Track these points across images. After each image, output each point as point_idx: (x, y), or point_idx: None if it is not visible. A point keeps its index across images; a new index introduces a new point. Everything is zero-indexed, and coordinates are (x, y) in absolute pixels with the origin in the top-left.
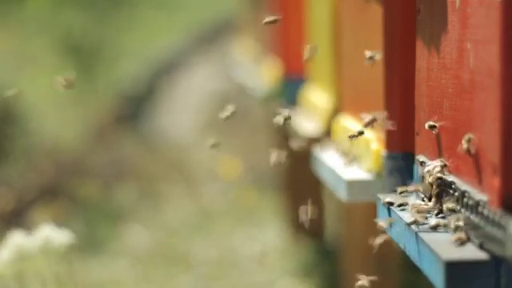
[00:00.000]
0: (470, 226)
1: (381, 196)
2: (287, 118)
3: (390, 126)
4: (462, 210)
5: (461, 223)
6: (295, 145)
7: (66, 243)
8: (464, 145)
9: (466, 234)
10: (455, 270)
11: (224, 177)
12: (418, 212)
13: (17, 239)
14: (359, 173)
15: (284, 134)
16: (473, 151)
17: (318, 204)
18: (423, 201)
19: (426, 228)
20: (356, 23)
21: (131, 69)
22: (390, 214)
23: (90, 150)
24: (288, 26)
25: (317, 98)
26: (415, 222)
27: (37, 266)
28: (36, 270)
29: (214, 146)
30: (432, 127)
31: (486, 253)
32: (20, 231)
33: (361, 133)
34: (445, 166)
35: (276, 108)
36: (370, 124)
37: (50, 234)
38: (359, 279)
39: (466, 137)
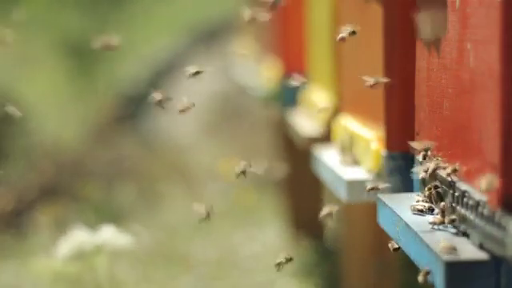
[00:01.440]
0: (470, 225)
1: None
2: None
3: None
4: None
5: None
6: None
7: (126, 246)
8: (420, 277)
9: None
10: (455, 270)
11: (224, 177)
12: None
13: (78, 236)
14: (359, 173)
15: (284, 134)
16: (429, 282)
17: (318, 204)
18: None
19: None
20: (356, 23)
21: (131, 69)
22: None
23: (89, 149)
24: (288, 26)
25: (317, 97)
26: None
27: (93, 264)
28: (92, 269)
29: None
30: (426, 151)
31: (486, 253)
32: (81, 228)
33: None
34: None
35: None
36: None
37: (111, 236)
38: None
39: (423, 271)
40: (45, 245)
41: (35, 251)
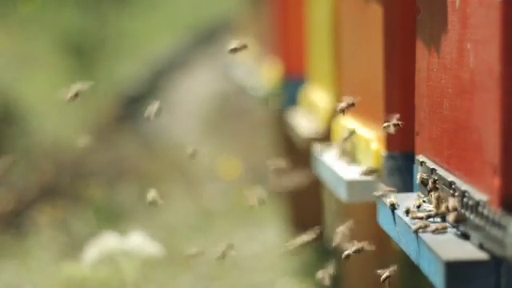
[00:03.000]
0: (470, 225)
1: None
2: None
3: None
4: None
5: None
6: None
7: (155, 255)
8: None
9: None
10: (455, 269)
11: (224, 177)
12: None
13: (107, 241)
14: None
15: (284, 134)
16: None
17: (318, 204)
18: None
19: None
20: (356, 23)
21: (131, 69)
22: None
23: (90, 149)
24: (288, 26)
25: (317, 98)
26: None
27: (120, 270)
28: (119, 274)
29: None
30: (395, 125)
31: (486, 253)
32: (111, 234)
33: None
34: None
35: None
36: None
37: (141, 243)
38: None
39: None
40: (45, 245)
41: (35, 251)
